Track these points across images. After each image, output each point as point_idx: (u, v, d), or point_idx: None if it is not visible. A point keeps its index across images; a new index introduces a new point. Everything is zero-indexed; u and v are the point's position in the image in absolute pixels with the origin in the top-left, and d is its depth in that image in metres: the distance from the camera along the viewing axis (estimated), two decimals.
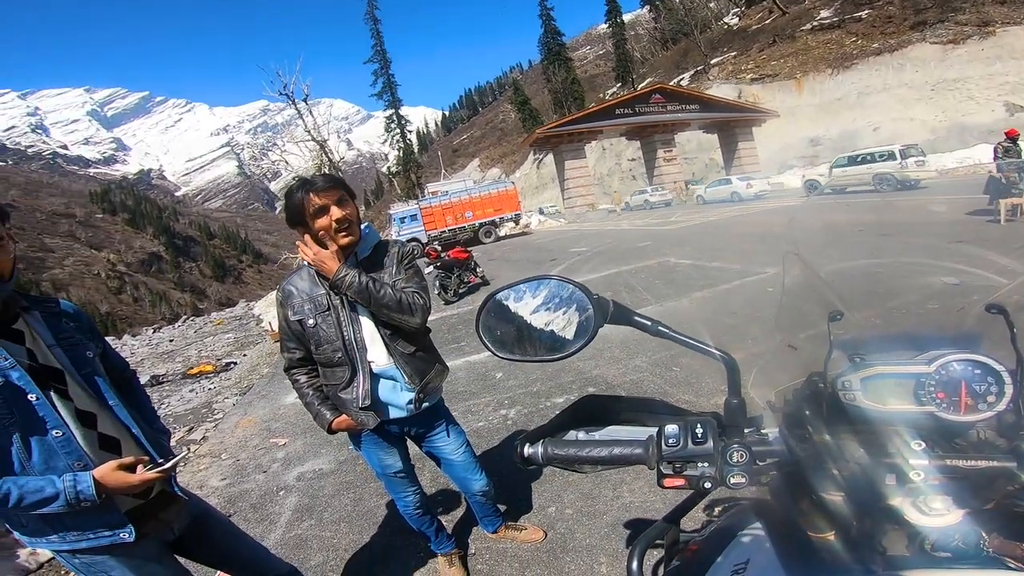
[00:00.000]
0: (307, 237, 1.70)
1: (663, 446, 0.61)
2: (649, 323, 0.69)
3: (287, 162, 32.23)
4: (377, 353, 1.82)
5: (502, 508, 2.54)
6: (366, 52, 64.51)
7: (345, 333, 1.77)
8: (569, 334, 0.72)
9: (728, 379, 0.65)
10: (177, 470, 1.47)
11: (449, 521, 2.72)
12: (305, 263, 1.79)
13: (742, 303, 5.70)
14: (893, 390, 0.66)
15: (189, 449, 4.85)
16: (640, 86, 50.72)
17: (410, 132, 68.82)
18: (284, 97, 28.70)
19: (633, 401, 0.79)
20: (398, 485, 2.10)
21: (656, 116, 32.54)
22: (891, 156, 17.82)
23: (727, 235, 11.72)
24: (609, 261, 10.37)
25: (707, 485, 0.60)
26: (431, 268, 9.44)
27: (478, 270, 10.27)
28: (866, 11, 39.82)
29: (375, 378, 1.84)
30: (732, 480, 0.59)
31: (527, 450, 0.70)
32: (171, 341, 15.81)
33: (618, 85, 69.20)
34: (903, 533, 0.57)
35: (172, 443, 3.28)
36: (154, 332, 20.82)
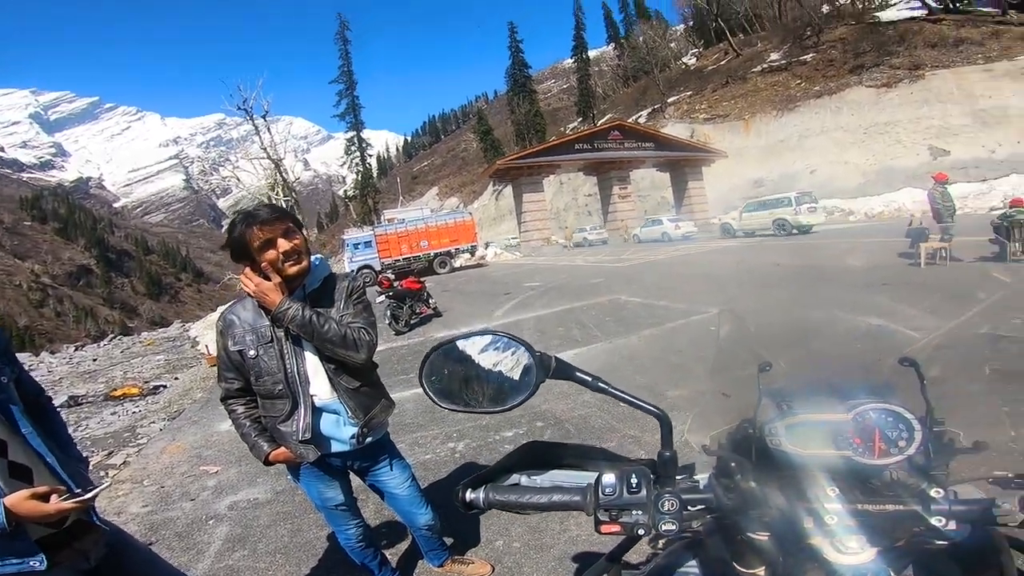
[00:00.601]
0: (248, 269, 1.68)
1: (600, 494, 0.64)
2: (590, 379, 0.71)
3: (239, 179, 31.24)
4: (320, 386, 1.80)
5: (448, 541, 2.50)
6: (332, 71, 64.38)
7: (288, 366, 1.75)
8: (511, 388, 0.74)
9: (661, 433, 0.68)
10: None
11: (393, 554, 2.65)
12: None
13: (687, 342, 5.92)
14: (814, 436, 0.72)
15: (108, 474, 4.53)
16: (600, 122, 52.30)
17: (370, 156, 68.63)
18: (243, 112, 28.03)
19: (574, 448, 0.83)
20: (339, 518, 2.05)
21: (613, 153, 33.29)
22: (788, 202, 19.54)
23: (674, 274, 12.15)
24: (562, 297, 10.53)
25: (640, 532, 0.63)
26: (383, 297, 9.31)
27: (431, 301, 10.20)
28: (811, 54, 42.83)
29: (317, 412, 1.81)
30: (663, 527, 0.62)
31: (468, 495, 0.71)
32: (94, 360, 14.79)
33: (579, 120, 71.49)
34: (822, 571, 0.61)
35: (90, 467, 3.07)
36: (76, 350, 19.44)
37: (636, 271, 13.74)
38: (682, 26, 75.10)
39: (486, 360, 0.76)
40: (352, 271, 23.87)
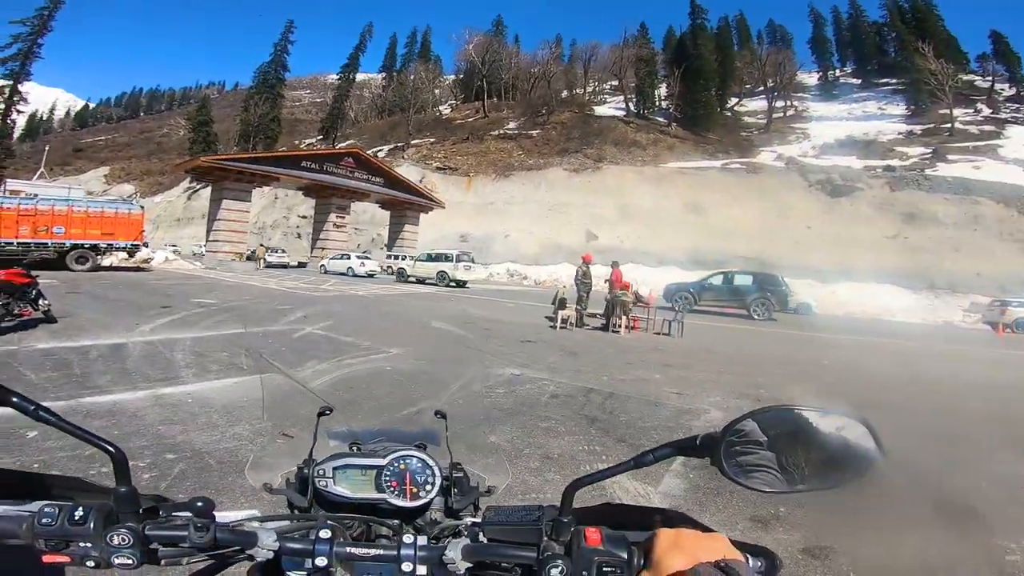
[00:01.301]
0: None
1: (36, 524, 0.61)
2: (32, 407, 0.63)
3: None
4: None
5: None
6: (26, 7, 48.00)
7: None
8: None
9: (114, 469, 0.64)
10: None
11: None
12: None
13: (361, 379, 5.88)
14: (359, 479, 0.79)
15: None
16: (339, 145, 51.24)
17: (20, 112, 53.41)
18: None
19: (38, 477, 0.74)
20: None
21: (341, 179, 32.48)
22: (450, 259, 23.93)
23: (371, 312, 12.25)
24: (237, 319, 9.37)
25: (91, 564, 0.61)
26: None
27: (42, 302, 7.73)
28: (538, 131, 50.21)
29: None
30: (116, 561, 0.60)
31: None
32: None
33: (319, 137, 68.59)
34: None
35: None
36: None
37: (334, 302, 13.35)
38: (452, 76, 79.87)
39: None
40: None
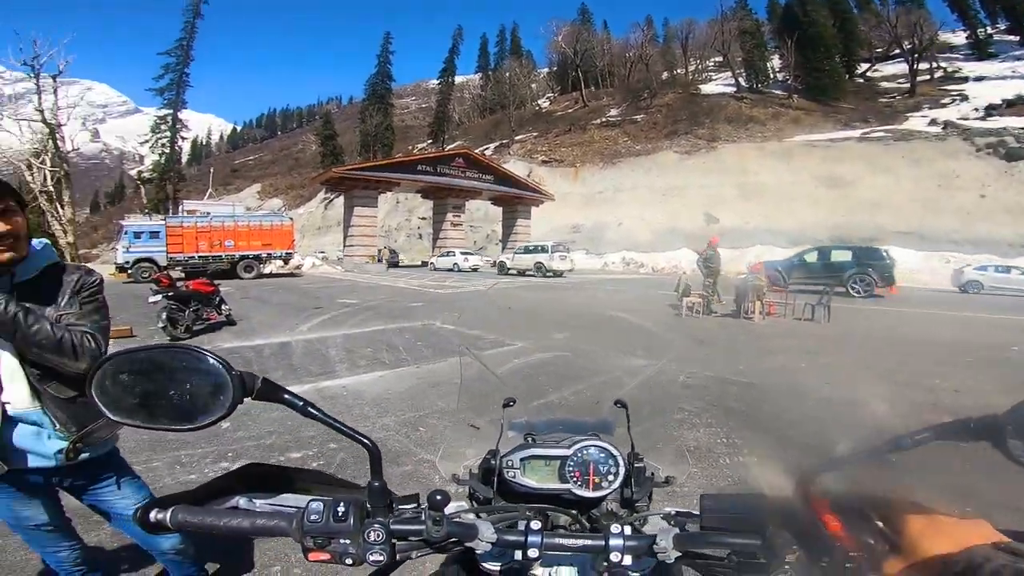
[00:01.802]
0: None
1: (306, 521, 0.62)
2: (300, 403, 0.69)
3: None
4: (16, 393, 1.51)
5: (213, 567, 2.23)
6: (167, 40, 56.17)
7: None
8: (203, 406, 0.69)
9: (371, 463, 0.68)
10: None
11: None
12: None
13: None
14: (544, 469, 0.80)
15: None
16: (449, 147, 53.12)
17: (184, 138, 61.01)
18: (28, 67, 23.73)
19: (299, 471, 0.82)
20: (43, 539, 1.71)
21: (454, 180, 33.65)
22: (545, 250, 24.71)
23: (494, 305, 12.70)
24: (377, 317, 10.29)
25: (348, 561, 0.62)
26: (159, 297, 8.10)
27: (224, 307, 9.14)
28: (643, 115, 48.60)
29: (10, 421, 1.51)
30: (371, 558, 0.61)
31: (154, 515, 0.65)
32: None
33: (429, 141, 71.60)
34: None
35: None
36: None
37: (458, 298, 14.08)
38: (546, 70, 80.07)
39: (178, 375, 0.70)
40: (125, 263, 20.52)
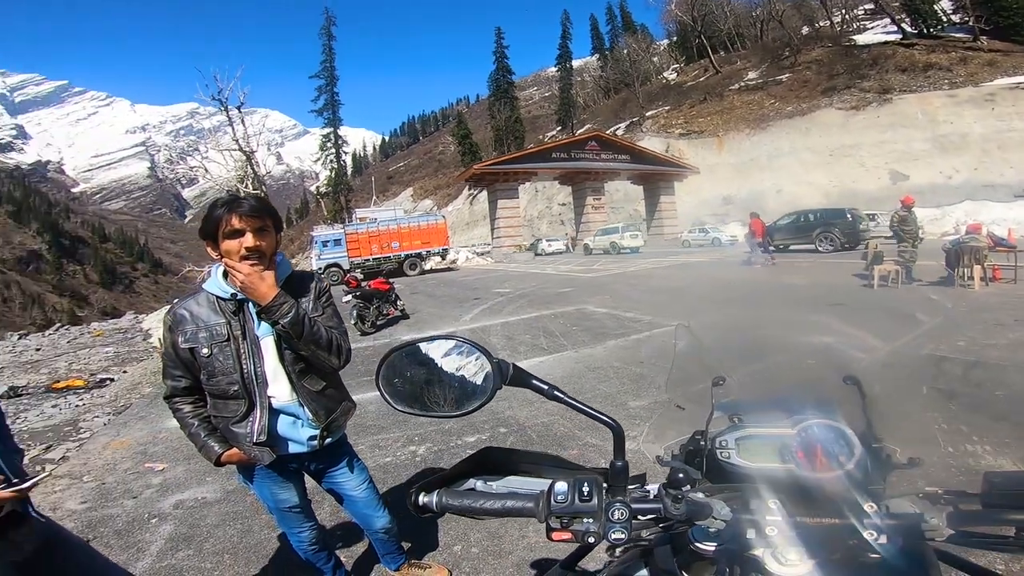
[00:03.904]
0: (240, 262, 1.61)
1: (552, 502, 0.64)
2: (546, 387, 0.72)
3: (207, 169, 30.48)
4: (280, 389, 1.74)
5: (406, 546, 2.47)
6: (313, 65, 63.73)
7: (244, 366, 1.69)
8: (468, 393, 0.75)
9: (614, 443, 0.69)
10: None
11: (349, 557, 2.59)
12: (205, 287, 1.70)
13: (651, 352, 6.02)
14: (761, 449, 0.76)
15: (44, 468, 4.31)
16: (579, 132, 52.49)
17: (346, 153, 67.84)
18: (217, 102, 27.41)
19: (529, 455, 0.84)
20: (292, 520, 2.00)
21: (589, 163, 33.47)
22: (616, 231, 27.16)
23: (642, 286, 12.33)
24: (530, 305, 10.57)
25: (591, 540, 0.63)
26: (349, 297, 9.17)
27: (399, 303, 10.10)
28: (787, 74, 43.77)
29: (274, 413, 1.75)
30: (613, 536, 0.62)
31: (422, 499, 0.71)
32: (38, 350, 14.05)
33: (558, 128, 71.79)
34: None
35: (26, 462, 2.93)
36: (20, 338, 18.41)
37: (606, 281, 13.91)
38: (666, 41, 75.91)
39: (445, 364, 0.77)
40: (318, 269, 23.44)
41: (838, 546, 0.61)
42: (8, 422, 1.60)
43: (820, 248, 18.11)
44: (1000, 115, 29.46)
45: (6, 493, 1.25)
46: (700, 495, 0.66)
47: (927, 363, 4.67)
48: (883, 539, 0.58)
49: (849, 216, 18.23)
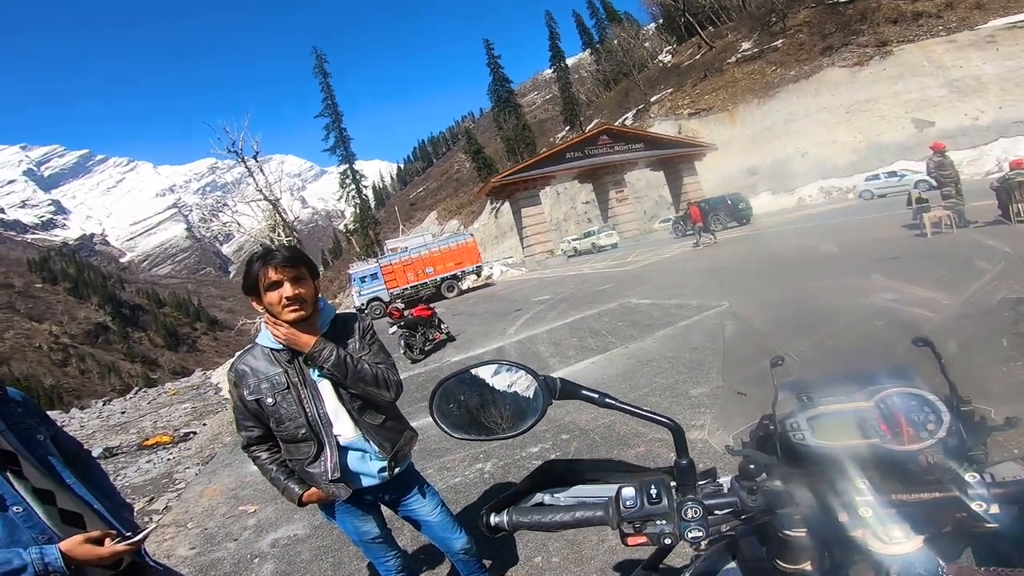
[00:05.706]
0: (281, 312, 1.71)
1: (621, 507, 0.64)
2: (597, 396, 0.72)
3: (239, 223, 31.08)
4: (344, 427, 1.83)
5: (487, 563, 2.52)
6: (317, 106, 64.71)
7: (308, 409, 1.78)
8: (519, 414, 0.76)
9: (675, 442, 0.68)
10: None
11: None
12: (258, 342, 1.82)
13: (702, 337, 5.92)
14: (838, 426, 0.70)
15: (152, 519, 4.64)
16: (588, 128, 51.99)
17: (365, 187, 68.70)
18: (233, 154, 27.74)
19: (592, 463, 0.84)
20: (377, 550, 2.08)
21: (605, 157, 33.16)
22: (593, 233, 30.84)
23: (680, 272, 12.12)
24: (572, 307, 10.51)
25: (667, 541, 0.63)
26: (395, 328, 9.34)
27: (443, 326, 10.23)
28: (781, 40, 42.55)
29: (343, 450, 1.84)
30: (690, 535, 0.61)
31: (493, 519, 0.72)
32: (123, 413, 15.02)
33: (567, 128, 71.20)
34: (869, 563, 0.59)
35: (134, 515, 3.15)
36: (104, 404, 19.67)
37: (644, 272, 13.75)
38: (653, 25, 74.28)
39: (492, 389, 0.79)
40: (361, 306, 23.96)
41: (946, 519, 0.58)
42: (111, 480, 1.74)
43: (714, 228, 20.51)
44: (1007, 55, 28.18)
45: (122, 547, 1.33)
46: (777, 482, 0.64)
47: (1003, 308, 4.40)
48: (994, 508, 0.55)
49: (729, 201, 23.67)
